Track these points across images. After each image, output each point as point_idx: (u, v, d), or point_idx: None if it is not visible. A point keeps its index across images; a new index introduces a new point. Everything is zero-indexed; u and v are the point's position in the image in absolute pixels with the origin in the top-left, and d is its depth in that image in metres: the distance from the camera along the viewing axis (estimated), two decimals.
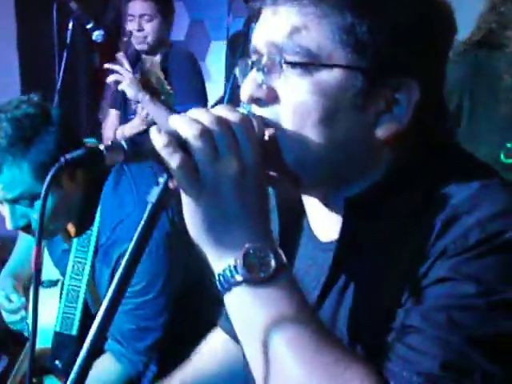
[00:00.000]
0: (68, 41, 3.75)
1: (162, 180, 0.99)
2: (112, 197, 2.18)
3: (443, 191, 1.01)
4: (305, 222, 1.22)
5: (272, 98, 1.05)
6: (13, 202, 2.02)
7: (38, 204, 2.01)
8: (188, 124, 0.97)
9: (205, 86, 4.09)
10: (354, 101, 1.02)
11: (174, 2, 4.35)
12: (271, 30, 1.05)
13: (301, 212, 1.22)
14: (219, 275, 0.98)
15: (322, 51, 1.01)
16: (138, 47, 4.17)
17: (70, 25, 3.76)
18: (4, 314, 2.46)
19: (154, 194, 0.99)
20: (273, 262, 0.97)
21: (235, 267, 0.96)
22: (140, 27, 4.14)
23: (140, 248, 0.99)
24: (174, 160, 0.95)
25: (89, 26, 3.91)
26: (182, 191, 0.98)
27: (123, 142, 0.96)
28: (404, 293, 0.97)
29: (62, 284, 2.28)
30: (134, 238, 0.99)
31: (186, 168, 0.95)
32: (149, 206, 0.99)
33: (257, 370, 0.97)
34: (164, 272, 2.14)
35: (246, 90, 1.07)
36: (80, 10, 3.85)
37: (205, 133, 0.96)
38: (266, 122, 1.05)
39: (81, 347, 2.24)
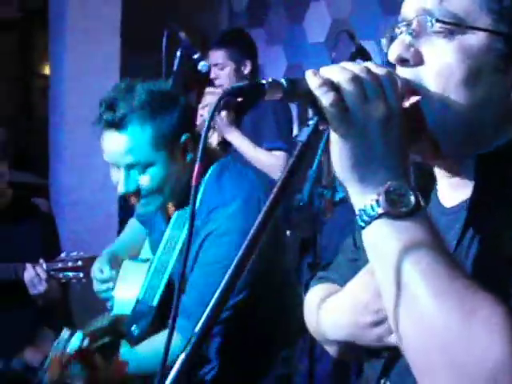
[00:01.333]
0: (175, 68, 3.91)
1: (311, 122, 1.07)
2: (214, 185, 2.31)
3: None
4: (433, 193, 1.27)
5: (418, 60, 1.13)
6: (129, 167, 2.22)
7: (150, 170, 2.23)
8: (340, 70, 1.05)
9: (291, 126, 4.24)
10: (495, 63, 1.09)
11: (253, 47, 4.54)
12: None
13: (430, 183, 1.28)
14: (361, 210, 1.05)
15: (468, 16, 1.09)
16: None
17: (178, 53, 3.93)
18: (94, 283, 2.72)
19: (303, 134, 1.06)
20: (412, 200, 1.03)
21: (377, 201, 1.03)
22: (215, 76, 4.35)
23: (286, 186, 1.04)
24: (327, 98, 1.02)
25: (195, 56, 4.08)
26: (331, 129, 1.05)
27: (283, 80, 1.04)
28: None
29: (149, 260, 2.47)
30: (281, 176, 1.04)
31: (338, 107, 1.02)
32: (298, 145, 1.06)
33: (389, 300, 1.03)
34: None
35: (395, 50, 1.14)
36: (188, 41, 4.02)
37: (355, 78, 1.04)
38: (409, 84, 1.12)
39: (158, 317, 2.36)
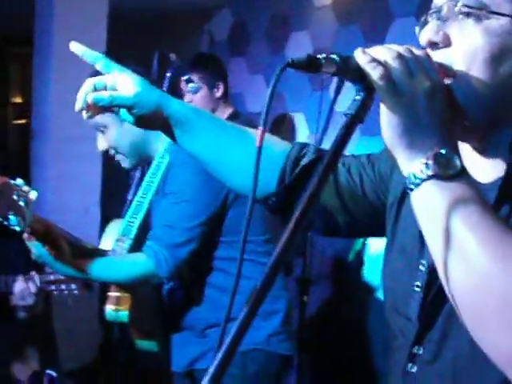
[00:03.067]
0: (165, 90, 3.99)
1: (359, 97, 1.16)
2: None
3: None
4: None
5: (446, 41, 1.22)
6: (97, 130, 2.83)
7: (107, 131, 2.80)
8: (386, 50, 1.14)
9: None
10: None
11: (224, 70, 4.63)
12: None
13: None
14: (410, 174, 1.12)
15: (492, 3, 1.20)
16: None
17: (168, 74, 4.02)
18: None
19: (351, 107, 1.15)
20: (458, 163, 1.11)
21: (427, 165, 1.10)
22: (190, 99, 4.41)
23: (336, 156, 1.12)
24: (376, 72, 1.11)
25: (184, 78, 4.17)
26: (381, 102, 1.14)
27: (335, 56, 1.14)
28: None
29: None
30: (332, 146, 1.13)
31: (387, 79, 1.11)
32: (346, 118, 1.14)
33: (440, 255, 1.09)
34: (198, 183, 2.63)
35: (426, 34, 1.24)
36: (178, 62, 4.12)
37: (400, 56, 1.13)
38: (440, 66, 1.22)
39: (134, 247, 2.83)
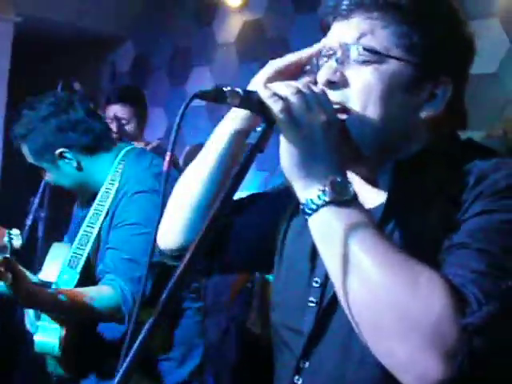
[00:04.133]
0: None
1: (260, 128, 1.25)
2: (133, 169, 2.68)
3: (471, 163, 1.29)
4: None
5: (343, 82, 1.34)
6: None
7: (47, 172, 2.74)
8: (286, 85, 1.24)
9: None
10: (406, 86, 1.32)
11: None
12: (344, 34, 1.36)
13: None
14: (307, 200, 1.22)
15: (382, 49, 1.32)
16: None
17: None
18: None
19: (253, 137, 1.24)
20: (351, 190, 1.22)
21: (323, 191, 1.20)
22: (118, 129, 4.43)
23: (237, 182, 1.20)
24: (278, 105, 1.21)
25: None
26: (281, 133, 1.23)
27: (239, 90, 1.22)
28: (447, 232, 1.22)
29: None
30: (233, 174, 1.21)
31: (287, 112, 1.21)
32: (248, 146, 1.23)
33: (338, 276, 1.18)
34: (156, 216, 2.48)
35: (323, 74, 1.35)
36: (82, 91, 4.15)
37: (299, 91, 1.23)
38: (336, 102, 1.33)
39: (80, 282, 2.59)
